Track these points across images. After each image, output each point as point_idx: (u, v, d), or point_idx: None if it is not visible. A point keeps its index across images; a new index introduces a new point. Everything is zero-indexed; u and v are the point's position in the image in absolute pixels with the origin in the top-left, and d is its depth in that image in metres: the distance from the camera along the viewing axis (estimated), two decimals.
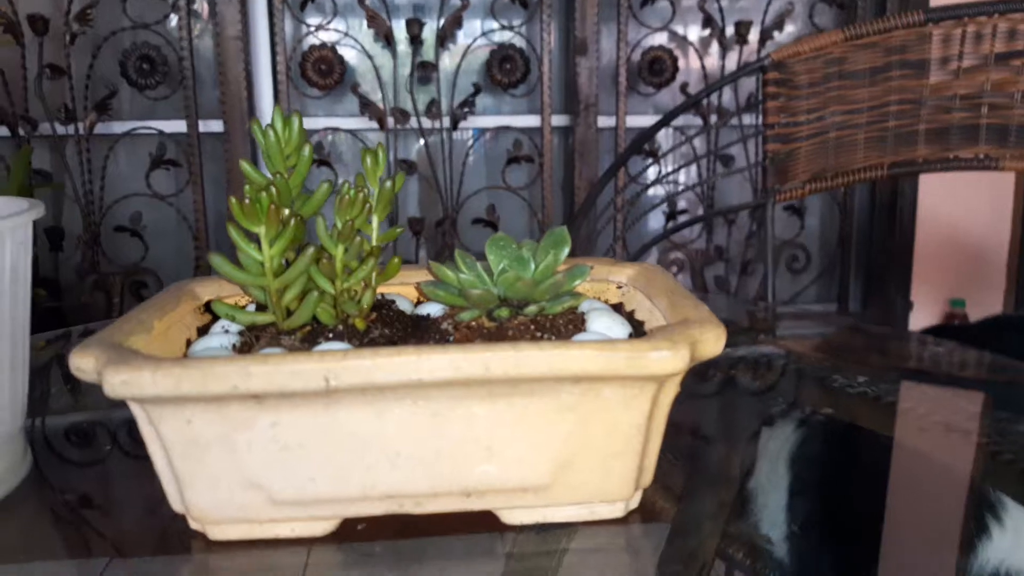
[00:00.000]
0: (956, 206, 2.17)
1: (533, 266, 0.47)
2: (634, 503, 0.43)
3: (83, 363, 0.38)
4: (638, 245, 2.03)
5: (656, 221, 2.18)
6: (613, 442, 0.40)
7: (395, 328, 0.45)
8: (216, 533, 0.40)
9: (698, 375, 0.69)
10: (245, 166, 0.45)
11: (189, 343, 0.46)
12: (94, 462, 0.53)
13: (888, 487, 0.54)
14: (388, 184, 0.48)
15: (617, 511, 0.43)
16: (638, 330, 0.47)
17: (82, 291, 1.89)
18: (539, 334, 0.44)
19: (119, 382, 0.36)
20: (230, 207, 0.41)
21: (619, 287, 0.54)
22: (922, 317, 2.21)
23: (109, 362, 0.36)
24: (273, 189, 0.41)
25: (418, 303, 0.53)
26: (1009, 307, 2.23)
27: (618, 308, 0.52)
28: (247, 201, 0.41)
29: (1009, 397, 0.67)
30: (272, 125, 0.45)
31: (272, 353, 0.37)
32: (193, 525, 0.40)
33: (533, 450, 0.40)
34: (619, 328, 0.46)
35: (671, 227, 1.84)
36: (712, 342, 0.40)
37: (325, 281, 0.44)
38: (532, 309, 0.44)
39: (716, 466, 0.58)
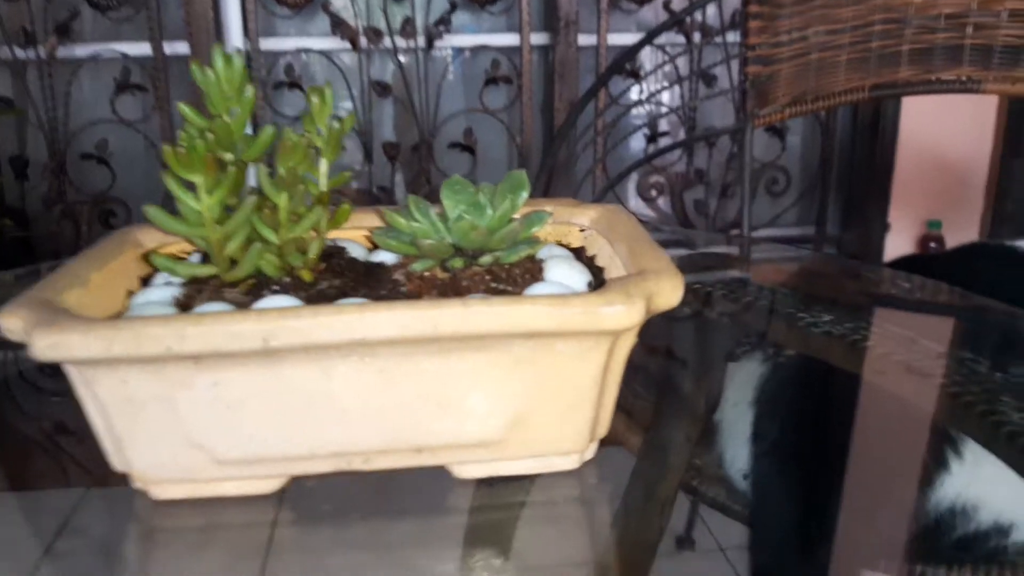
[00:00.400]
0: (938, 128, 2.14)
1: (490, 212, 0.45)
2: (589, 454, 0.43)
3: (11, 323, 0.36)
4: (618, 169, 2.00)
5: (638, 144, 2.14)
6: (567, 395, 0.39)
7: (345, 278, 0.44)
8: (159, 492, 0.39)
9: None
10: (184, 108, 0.42)
11: (131, 295, 0.44)
12: (40, 416, 0.51)
13: (849, 425, 0.54)
14: (336, 125, 0.45)
15: (572, 463, 0.42)
16: (598, 277, 0.46)
17: (50, 221, 1.85)
18: (494, 284, 0.43)
19: (46, 345, 0.34)
20: (163, 154, 0.39)
21: (582, 230, 0.52)
22: (900, 240, 2.21)
23: (37, 324, 0.35)
24: (210, 135, 0.39)
25: (373, 249, 0.51)
26: (986, 228, 2.23)
27: (579, 253, 0.50)
28: (182, 148, 0.38)
29: (971, 336, 0.66)
30: (212, 64, 0.43)
31: (208, 312, 0.35)
32: (136, 484, 0.39)
33: (486, 404, 0.39)
34: (577, 277, 0.44)
35: (652, 151, 1.81)
36: (668, 294, 0.39)
37: (268, 231, 0.42)
38: (487, 259, 0.43)
39: (679, 403, 0.57)
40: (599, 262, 0.49)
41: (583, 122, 1.78)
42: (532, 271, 0.44)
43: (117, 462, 0.39)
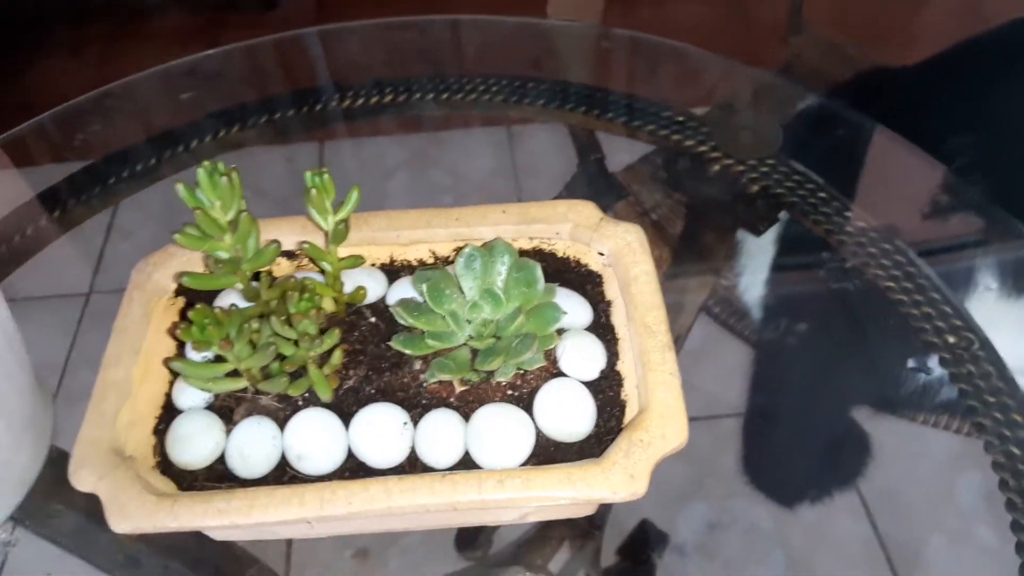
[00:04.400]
0: None
1: (504, 300, 0.45)
2: None
3: (85, 485, 0.41)
4: None
5: None
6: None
7: (367, 375, 0.46)
8: None
9: None
10: (188, 280, 0.41)
11: (172, 373, 0.47)
12: None
13: None
14: (341, 225, 0.44)
15: None
16: (610, 345, 0.48)
17: None
18: (510, 392, 0.45)
19: (127, 528, 0.39)
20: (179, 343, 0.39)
21: (600, 253, 0.51)
22: None
23: (110, 504, 0.40)
24: (218, 313, 0.39)
25: (391, 268, 0.52)
26: None
27: (596, 283, 0.51)
28: (193, 330, 0.39)
29: None
30: (199, 185, 0.40)
31: (258, 497, 0.40)
32: None
33: None
34: (591, 364, 0.46)
35: None
36: (674, 444, 0.42)
37: (288, 347, 0.43)
38: (505, 374, 0.45)
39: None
40: (609, 297, 0.50)
41: None
42: (546, 355, 0.46)
43: None
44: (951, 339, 0.60)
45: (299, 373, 0.45)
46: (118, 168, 0.78)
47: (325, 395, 0.43)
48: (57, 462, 0.53)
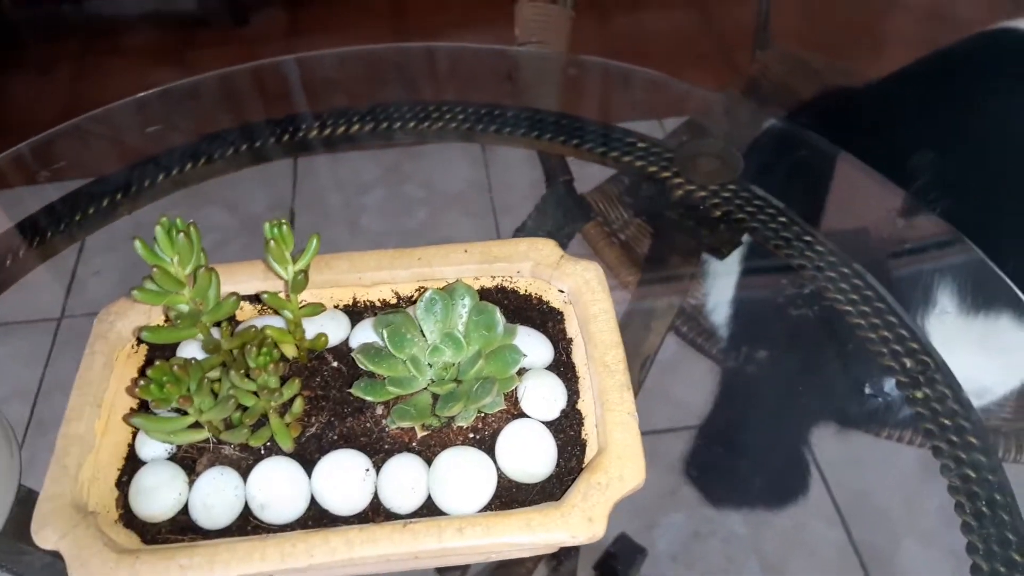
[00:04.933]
0: None
1: (465, 344, 0.46)
2: None
3: (47, 543, 0.41)
4: None
5: None
6: None
7: (330, 422, 0.46)
8: None
9: None
10: (147, 334, 0.41)
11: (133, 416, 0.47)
12: None
13: None
14: (301, 276, 0.44)
15: None
16: (571, 382, 0.48)
17: None
18: (472, 435, 0.46)
19: None
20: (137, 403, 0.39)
21: (560, 291, 0.52)
22: None
23: (72, 561, 0.40)
24: (176, 371, 0.39)
25: (354, 309, 0.52)
26: None
27: (557, 321, 0.52)
28: (151, 388, 0.39)
29: None
30: (156, 242, 0.40)
31: (222, 547, 0.40)
32: None
33: None
34: (551, 405, 0.47)
35: None
36: (632, 484, 0.42)
37: (249, 398, 0.44)
38: (465, 419, 0.45)
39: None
40: (570, 335, 0.51)
41: None
42: (507, 396, 0.47)
43: None
44: (908, 363, 0.61)
45: (261, 422, 0.45)
46: (91, 200, 0.78)
47: (286, 445, 0.43)
48: (26, 501, 0.54)
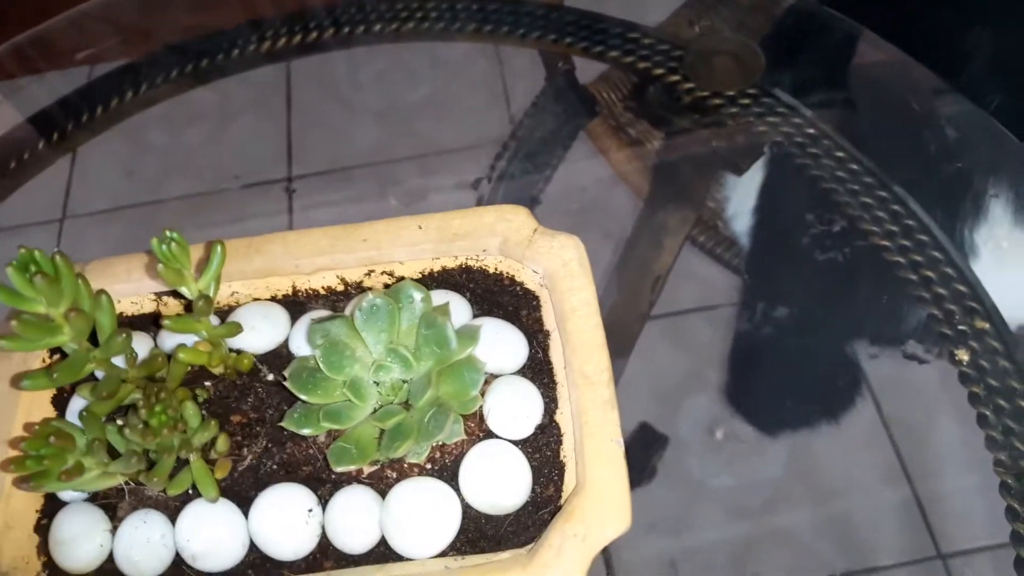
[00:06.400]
0: None
1: (414, 362, 0.38)
2: None
3: None
4: None
5: None
6: None
7: (265, 444, 0.40)
8: None
9: None
10: (28, 383, 0.35)
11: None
12: None
13: None
14: (202, 302, 0.36)
15: None
16: (544, 361, 0.41)
17: None
18: (428, 466, 0.39)
19: None
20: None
21: (534, 271, 0.44)
22: None
23: None
24: (53, 440, 0.32)
25: (295, 300, 0.45)
26: None
27: (532, 307, 0.43)
28: (27, 463, 0.32)
29: None
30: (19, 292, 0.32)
31: None
32: None
33: None
34: (526, 423, 0.40)
35: None
36: (612, 536, 0.36)
37: (171, 448, 0.37)
38: (418, 456, 0.38)
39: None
40: (547, 323, 0.43)
41: None
42: (470, 418, 0.40)
43: None
44: (953, 311, 0.52)
45: (183, 461, 0.39)
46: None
47: (210, 494, 0.37)
48: None
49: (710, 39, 0.65)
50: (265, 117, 0.91)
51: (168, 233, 0.35)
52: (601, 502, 0.36)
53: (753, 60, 0.62)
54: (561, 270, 0.42)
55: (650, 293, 0.74)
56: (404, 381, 0.39)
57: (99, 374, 0.40)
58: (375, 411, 0.39)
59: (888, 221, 0.56)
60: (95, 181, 0.82)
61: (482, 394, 0.40)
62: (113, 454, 0.37)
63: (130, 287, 0.44)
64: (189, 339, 0.40)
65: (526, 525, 0.39)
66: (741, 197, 0.70)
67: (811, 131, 0.60)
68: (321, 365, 0.38)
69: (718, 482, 0.55)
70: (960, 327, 0.51)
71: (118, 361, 0.38)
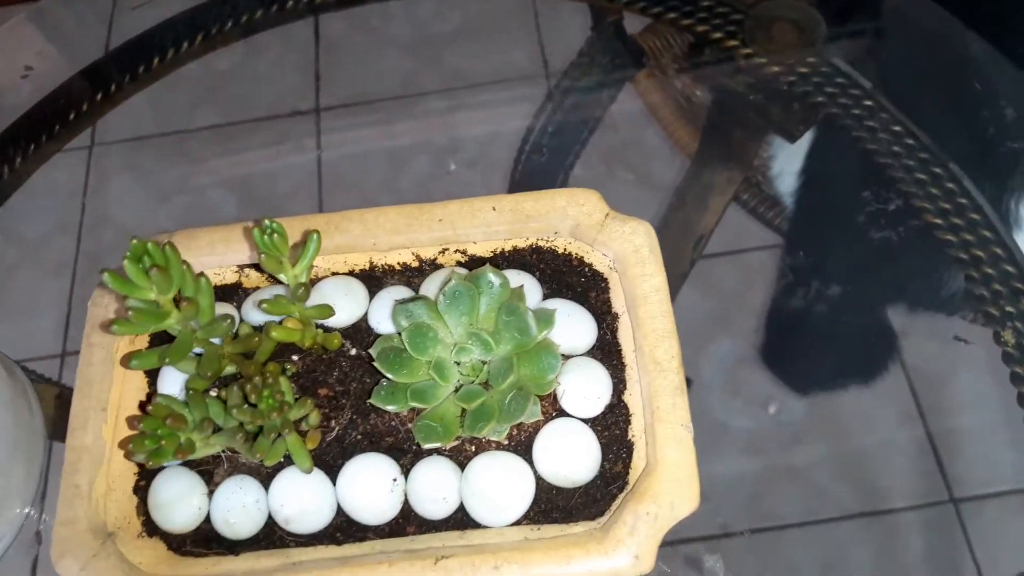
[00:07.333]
0: None
1: (494, 345, 0.40)
2: None
3: (67, 572, 0.39)
4: None
5: None
6: None
7: (350, 416, 0.42)
8: None
9: None
10: (136, 362, 0.37)
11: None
12: None
13: None
14: (303, 280, 0.38)
15: None
16: (613, 343, 0.43)
17: None
18: (504, 442, 0.41)
19: None
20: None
21: (604, 254, 0.45)
22: None
23: None
24: (169, 422, 0.35)
25: (372, 275, 0.46)
26: None
27: (601, 289, 0.45)
28: (146, 442, 0.35)
29: None
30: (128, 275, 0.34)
31: None
32: None
33: None
34: (593, 403, 0.42)
35: None
36: (681, 516, 0.38)
37: (267, 422, 0.39)
38: (499, 434, 0.40)
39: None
40: (615, 306, 0.45)
41: None
42: (544, 397, 0.42)
43: None
44: (1001, 293, 0.54)
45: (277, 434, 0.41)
46: None
47: (304, 465, 0.40)
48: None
49: (771, 4, 0.65)
50: (293, 48, 0.91)
51: (268, 222, 0.36)
52: (672, 483, 0.38)
53: (814, 28, 0.62)
54: (632, 256, 0.44)
55: (692, 252, 0.75)
56: (483, 362, 0.41)
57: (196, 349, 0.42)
58: (456, 390, 0.41)
59: (941, 198, 0.57)
60: (123, 109, 0.83)
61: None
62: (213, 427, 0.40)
63: (214, 259, 0.46)
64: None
65: (595, 498, 0.41)
66: (789, 160, 0.70)
67: (869, 103, 0.60)
68: (407, 346, 0.40)
69: (737, 424, 0.56)
70: (1007, 308, 0.53)
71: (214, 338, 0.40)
